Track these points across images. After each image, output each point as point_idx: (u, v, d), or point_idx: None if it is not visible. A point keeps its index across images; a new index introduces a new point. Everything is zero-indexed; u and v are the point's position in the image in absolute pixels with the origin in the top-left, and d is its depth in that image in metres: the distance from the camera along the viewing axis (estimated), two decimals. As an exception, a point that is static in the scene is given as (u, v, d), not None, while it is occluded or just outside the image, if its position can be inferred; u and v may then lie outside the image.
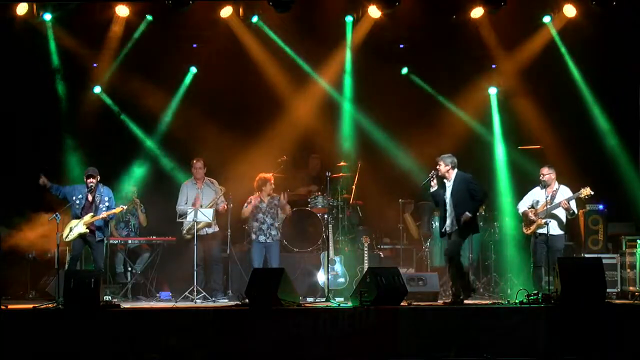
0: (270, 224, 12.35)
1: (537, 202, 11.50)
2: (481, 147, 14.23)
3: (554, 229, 11.39)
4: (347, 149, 14.06)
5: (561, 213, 11.40)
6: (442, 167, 10.92)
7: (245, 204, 12.49)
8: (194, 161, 12.63)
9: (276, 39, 13.80)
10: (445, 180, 10.95)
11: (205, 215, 12.01)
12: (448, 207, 10.87)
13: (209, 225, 12.27)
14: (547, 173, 11.43)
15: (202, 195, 12.51)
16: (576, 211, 11.55)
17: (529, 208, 11.57)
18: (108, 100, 14.06)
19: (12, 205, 12.49)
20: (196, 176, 12.60)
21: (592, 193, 11.25)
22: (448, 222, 10.87)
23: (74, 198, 11.47)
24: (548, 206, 11.28)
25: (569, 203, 11.28)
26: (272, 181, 12.47)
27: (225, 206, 12.32)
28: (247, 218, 12.52)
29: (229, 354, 9.17)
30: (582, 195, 11.29)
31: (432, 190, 11.07)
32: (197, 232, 12.03)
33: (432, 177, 11.01)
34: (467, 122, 14.24)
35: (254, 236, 12.40)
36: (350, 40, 13.92)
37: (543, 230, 11.23)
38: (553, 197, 11.41)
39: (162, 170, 14.08)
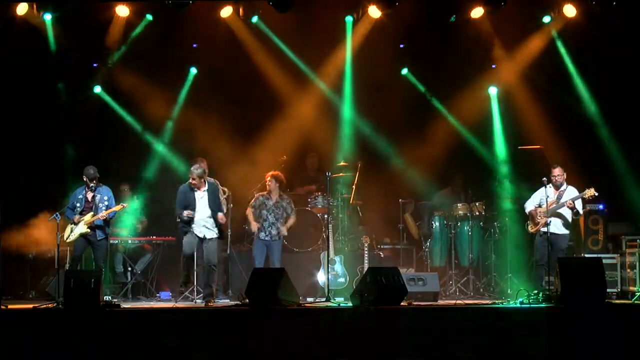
0: (272, 223, 12.31)
1: (544, 200, 11.49)
2: (481, 147, 14.22)
3: (559, 228, 11.43)
4: (346, 149, 14.05)
5: (567, 212, 11.43)
6: (196, 181, 11.23)
7: (253, 201, 12.42)
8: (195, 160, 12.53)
9: (276, 39, 13.81)
10: (197, 191, 11.28)
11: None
12: (203, 213, 11.24)
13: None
14: (559, 174, 11.46)
15: None
16: (581, 211, 11.58)
17: (535, 207, 11.58)
18: (108, 100, 14.07)
19: (12, 205, 12.47)
20: None
21: (597, 194, 11.26)
22: (209, 231, 11.27)
23: (75, 200, 11.47)
24: (553, 205, 11.32)
25: (574, 203, 11.30)
26: (279, 180, 12.42)
27: (224, 217, 11.69)
28: (247, 217, 12.50)
29: (229, 354, 9.16)
30: (586, 196, 11.30)
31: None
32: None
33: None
34: (467, 122, 14.24)
35: (256, 233, 12.38)
36: (350, 40, 13.92)
37: (547, 229, 11.24)
38: (560, 197, 11.42)
39: (162, 170, 14.07)
